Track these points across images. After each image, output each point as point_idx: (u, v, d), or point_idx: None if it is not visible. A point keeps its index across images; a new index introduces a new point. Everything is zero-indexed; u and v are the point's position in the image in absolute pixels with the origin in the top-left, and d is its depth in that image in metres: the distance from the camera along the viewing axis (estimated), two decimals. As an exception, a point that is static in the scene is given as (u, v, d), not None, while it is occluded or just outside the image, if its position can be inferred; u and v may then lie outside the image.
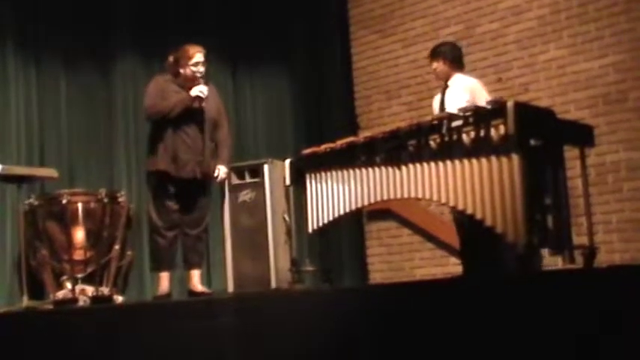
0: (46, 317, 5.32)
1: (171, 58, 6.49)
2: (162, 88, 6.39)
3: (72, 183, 7.42)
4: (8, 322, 5.25)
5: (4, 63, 7.37)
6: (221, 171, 6.51)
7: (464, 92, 6.07)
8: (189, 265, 6.55)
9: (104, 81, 7.87)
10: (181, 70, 6.41)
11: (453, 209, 5.53)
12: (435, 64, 6.31)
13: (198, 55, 6.39)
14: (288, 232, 6.27)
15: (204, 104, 6.35)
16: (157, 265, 6.50)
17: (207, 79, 6.47)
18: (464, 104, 5.73)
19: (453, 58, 6.27)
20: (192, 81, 6.36)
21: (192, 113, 6.35)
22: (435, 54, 6.33)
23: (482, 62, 7.88)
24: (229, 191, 6.93)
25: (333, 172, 5.58)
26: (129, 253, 7.16)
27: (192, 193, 6.39)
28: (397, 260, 8.57)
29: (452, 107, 5.84)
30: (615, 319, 3.56)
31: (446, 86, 6.25)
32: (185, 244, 6.49)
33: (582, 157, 5.02)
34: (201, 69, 6.38)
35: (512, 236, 4.63)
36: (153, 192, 6.45)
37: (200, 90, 6.33)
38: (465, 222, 5.80)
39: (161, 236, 6.38)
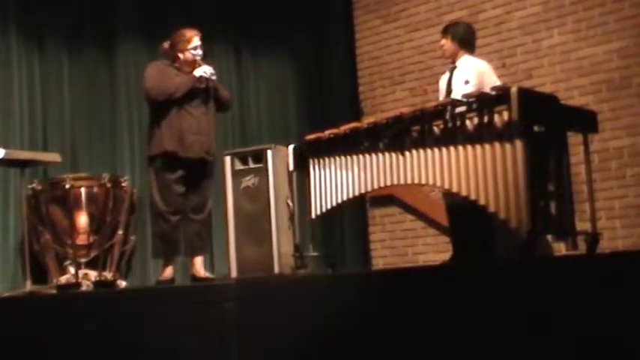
0: (50, 302, 5.34)
1: (166, 45, 6.49)
2: (162, 71, 6.40)
3: (75, 167, 7.43)
4: (12, 306, 5.27)
5: (7, 46, 7.37)
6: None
7: (472, 75, 6.03)
8: (193, 252, 6.53)
9: (107, 65, 7.87)
10: (180, 55, 6.42)
11: (448, 193, 5.54)
12: (443, 41, 6.28)
13: (195, 39, 6.42)
14: (291, 218, 6.26)
15: (210, 84, 6.38)
16: (162, 252, 6.44)
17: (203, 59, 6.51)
18: (470, 87, 5.72)
19: (462, 38, 6.20)
20: (192, 64, 6.38)
21: (196, 94, 6.37)
22: (445, 31, 6.30)
23: (486, 48, 7.85)
24: (232, 177, 6.92)
25: (337, 158, 5.57)
26: (132, 238, 7.18)
27: (196, 174, 6.40)
28: (400, 246, 8.58)
29: (459, 89, 5.84)
30: (617, 306, 3.57)
31: (454, 67, 6.22)
32: (189, 230, 6.47)
33: (586, 143, 5.01)
34: (200, 52, 6.41)
35: (515, 222, 4.63)
36: (157, 175, 6.38)
37: (204, 70, 6.36)
38: (457, 207, 5.82)
39: (166, 221, 6.34)
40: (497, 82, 5.80)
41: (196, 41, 6.41)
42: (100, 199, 6.87)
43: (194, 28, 6.48)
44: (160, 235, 6.42)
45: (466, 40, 6.23)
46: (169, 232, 6.37)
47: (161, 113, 6.35)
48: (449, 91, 6.11)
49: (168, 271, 6.41)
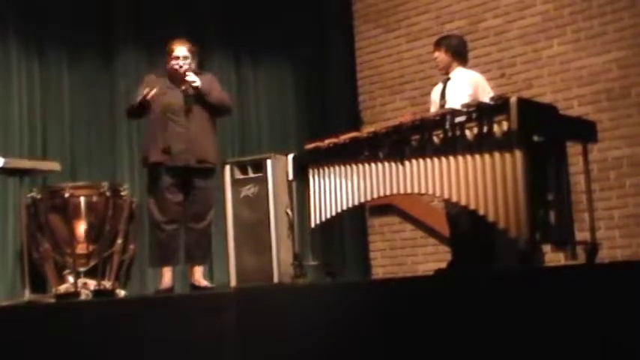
0: (49, 311, 5.33)
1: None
2: (147, 82, 6.44)
3: (74, 176, 7.43)
4: (10, 315, 5.26)
5: (7, 54, 7.38)
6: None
7: (467, 86, 6.07)
8: (192, 261, 6.52)
9: (107, 73, 7.88)
10: (167, 65, 6.46)
11: (448, 202, 5.54)
12: (436, 53, 6.36)
13: (177, 49, 6.45)
14: (291, 227, 6.26)
15: (195, 92, 6.38)
16: (157, 261, 6.49)
17: (197, 69, 6.54)
18: (466, 98, 5.73)
19: (455, 50, 6.27)
20: (176, 74, 6.40)
21: (182, 103, 6.37)
22: (438, 43, 6.37)
23: (486, 57, 7.87)
24: (232, 186, 6.93)
25: (336, 167, 5.57)
26: (131, 246, 7.17)
27: (190, 183, 6.40)
28: (400, 255, 8.57)
29: (453, 100, 5.86)
30: (616, 316, 3.57)
31: (447, 78, 6.26)
32: (189, 239, 6.47)
33: (585, 153, 5.01)
34: (182, 62, 6.42)
35: (514, 232, 4.63)
36: (151, 185, 6.46)
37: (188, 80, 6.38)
38: (458, 216, 5.82)
39: (161, 230, 6.37)
40: (491, 93, 5.83)
41: (178, 51, 6.44)
42: (99, 208, 6.86)
43: (182, 39, 6.53)
44: (155, 244, 6.45)
45: (459, 52, 6.30)
46: (165, 241, 6.38)
47: (150, 124, 6.43)
48: (442, 102, 6.14)
49: (167, 280, 6.41)
